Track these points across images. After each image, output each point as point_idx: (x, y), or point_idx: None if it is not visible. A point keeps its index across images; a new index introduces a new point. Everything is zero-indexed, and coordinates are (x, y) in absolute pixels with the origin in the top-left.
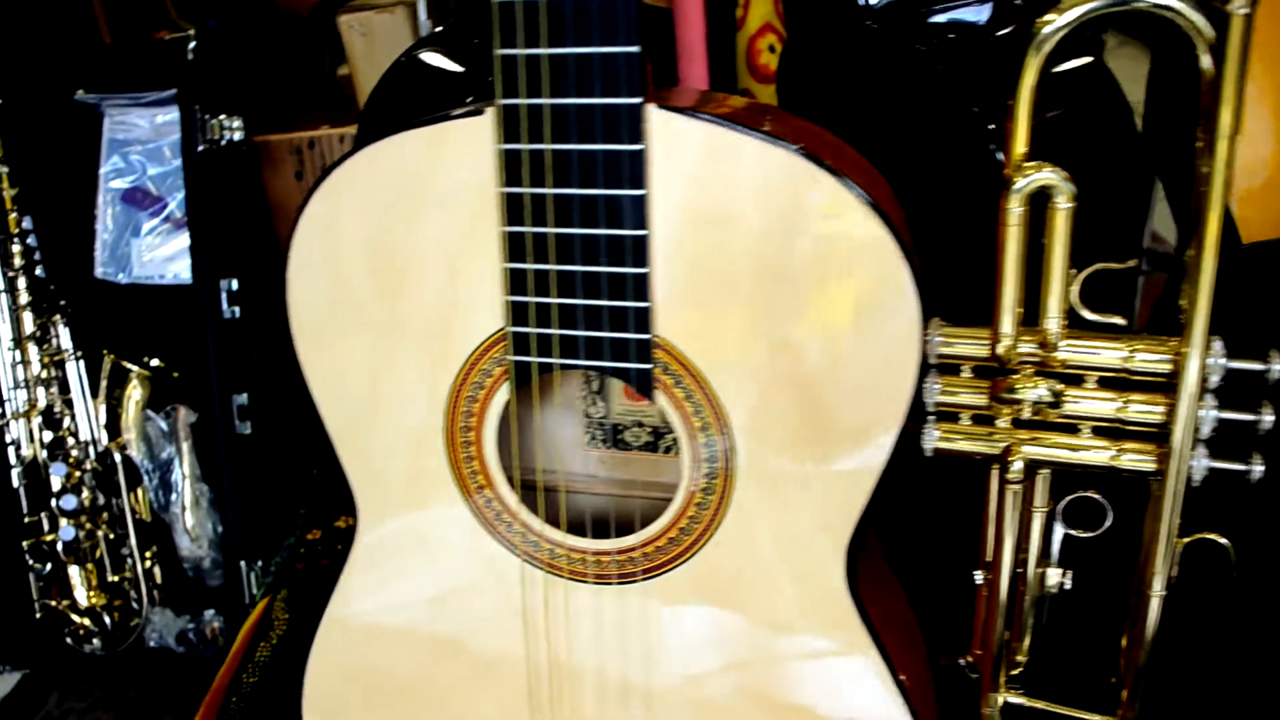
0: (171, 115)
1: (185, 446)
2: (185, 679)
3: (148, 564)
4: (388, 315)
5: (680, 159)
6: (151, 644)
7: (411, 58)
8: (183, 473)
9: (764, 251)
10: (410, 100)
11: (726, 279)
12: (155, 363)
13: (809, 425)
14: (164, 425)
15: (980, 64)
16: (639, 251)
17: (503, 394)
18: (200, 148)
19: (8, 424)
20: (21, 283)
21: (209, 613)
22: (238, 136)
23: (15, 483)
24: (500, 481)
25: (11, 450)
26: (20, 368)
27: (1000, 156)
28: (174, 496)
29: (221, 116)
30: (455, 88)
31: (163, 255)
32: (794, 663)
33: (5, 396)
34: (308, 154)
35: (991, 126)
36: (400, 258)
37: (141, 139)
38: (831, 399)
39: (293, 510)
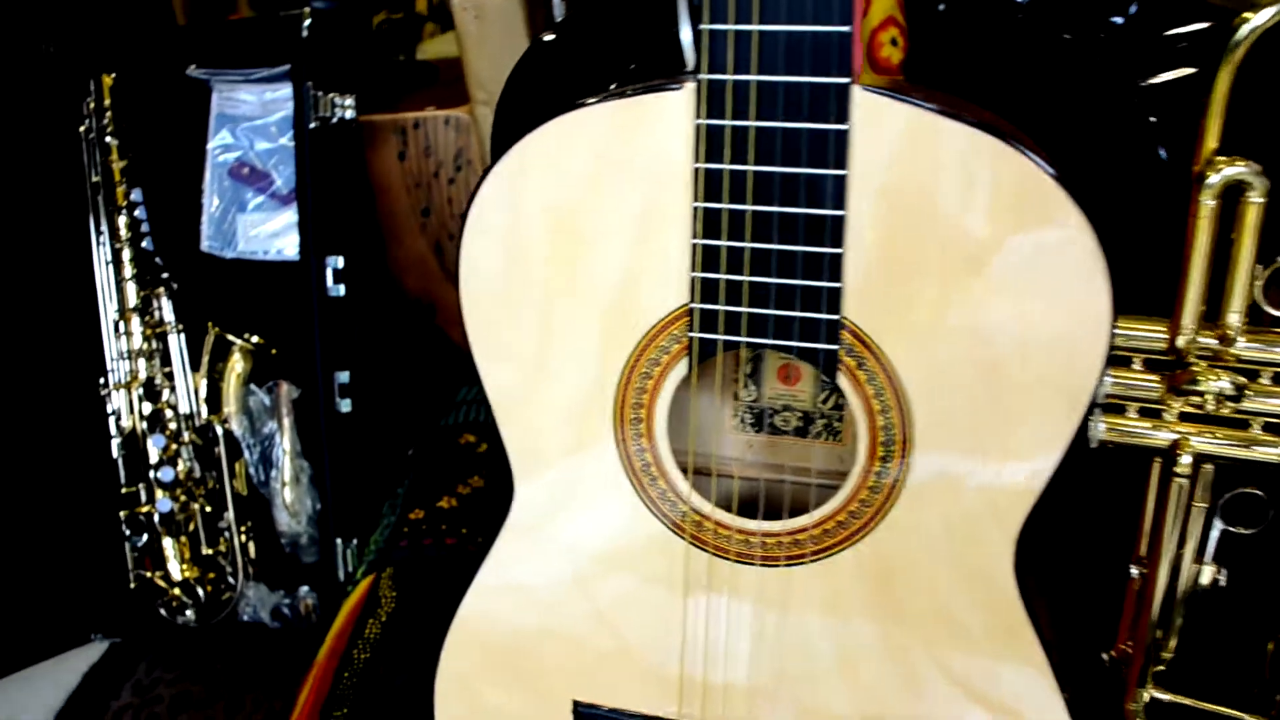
0: (280, 92)
1: (287, 422)
2: (279, 653)
3: (243, 538)
4: (566, 286)
5: (879, 140)
6: (245, 618)
7: (548, 41)
8: (284, 448)
9: (955, 234)
10: (550, 82)
11: (917, 261)
12: (255, 339)
13: (990, 411)
14: (266, 400)
15: (1138, 57)
16: (835, 232)
17: (678, 371)
18: (312, 125)
19: (109, 394)
20: (127, 255)
21: (303, 589)
22: (349, 114)
23: (114, 453)
24: (667, 459)
25: (112, 421)
26: (124, 339)
27: (1162, 151)
28: (274, 472)
29: (334, 94)
30: (594, 71)
31: (267, 231)
32: (955, 651)
33: (109, 367)
34: (412, 134)
35: (1153, 119)
36: (583, 230)
37: (249, 115)
38: (1015, 385)
39: (388, 490)
